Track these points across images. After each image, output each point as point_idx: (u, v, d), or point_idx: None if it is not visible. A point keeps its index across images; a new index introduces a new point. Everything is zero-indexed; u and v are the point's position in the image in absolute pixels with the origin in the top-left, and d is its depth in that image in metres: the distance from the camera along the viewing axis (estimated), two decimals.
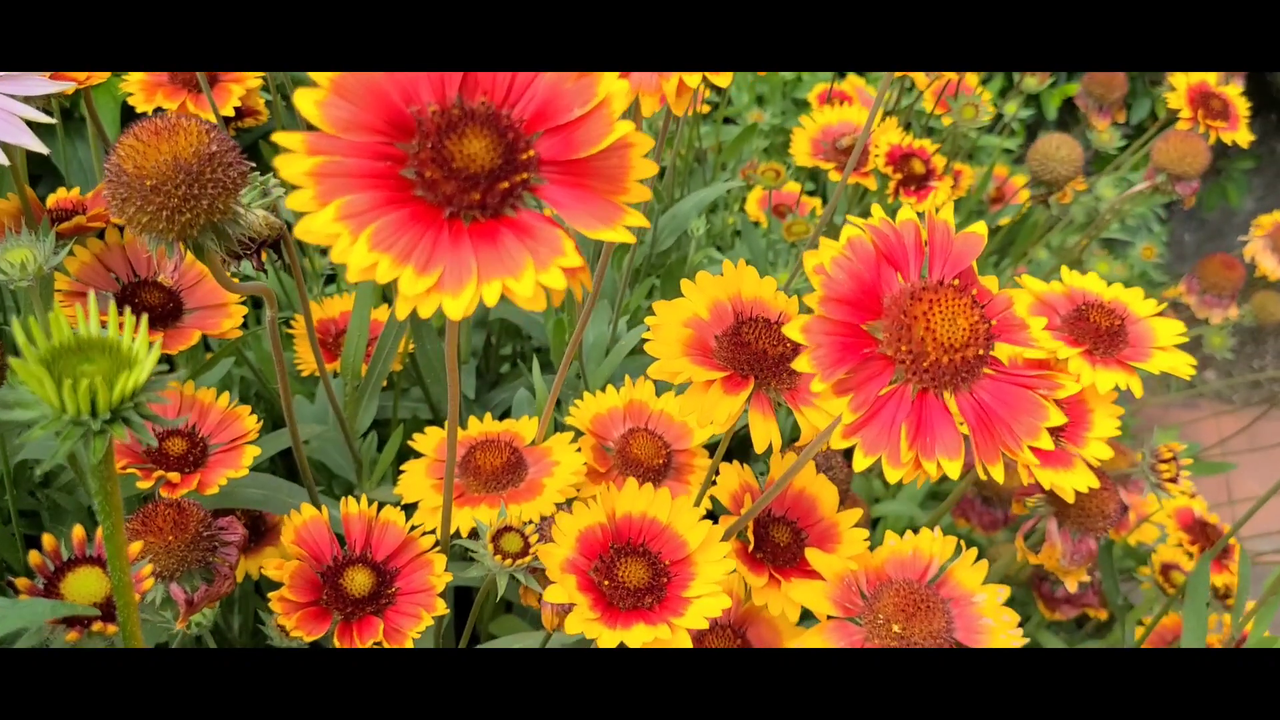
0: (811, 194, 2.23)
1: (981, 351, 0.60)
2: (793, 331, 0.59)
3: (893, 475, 0.59)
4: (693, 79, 0.76)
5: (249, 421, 0.95)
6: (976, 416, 0.61)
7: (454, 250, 0.52)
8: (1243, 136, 1.42)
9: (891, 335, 0.60)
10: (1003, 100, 2.26)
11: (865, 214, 0.65)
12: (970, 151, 2.61)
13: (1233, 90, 1.44)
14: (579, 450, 1.02)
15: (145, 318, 0.51)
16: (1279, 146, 3.42)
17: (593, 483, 1.02)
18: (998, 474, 0.61)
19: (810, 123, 1.50)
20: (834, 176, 1.44)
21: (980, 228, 0.65)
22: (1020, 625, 0.84)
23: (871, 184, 1.42)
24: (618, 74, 0.57)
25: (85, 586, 0.60)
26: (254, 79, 1.26)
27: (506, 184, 0.54)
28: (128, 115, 1.64)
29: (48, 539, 0.60)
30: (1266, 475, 2.42)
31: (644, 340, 0.82)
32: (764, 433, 0.81)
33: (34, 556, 0.59)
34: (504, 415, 1.18)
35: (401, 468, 1.01)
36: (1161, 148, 1.42)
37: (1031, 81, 1.86)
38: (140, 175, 0.64)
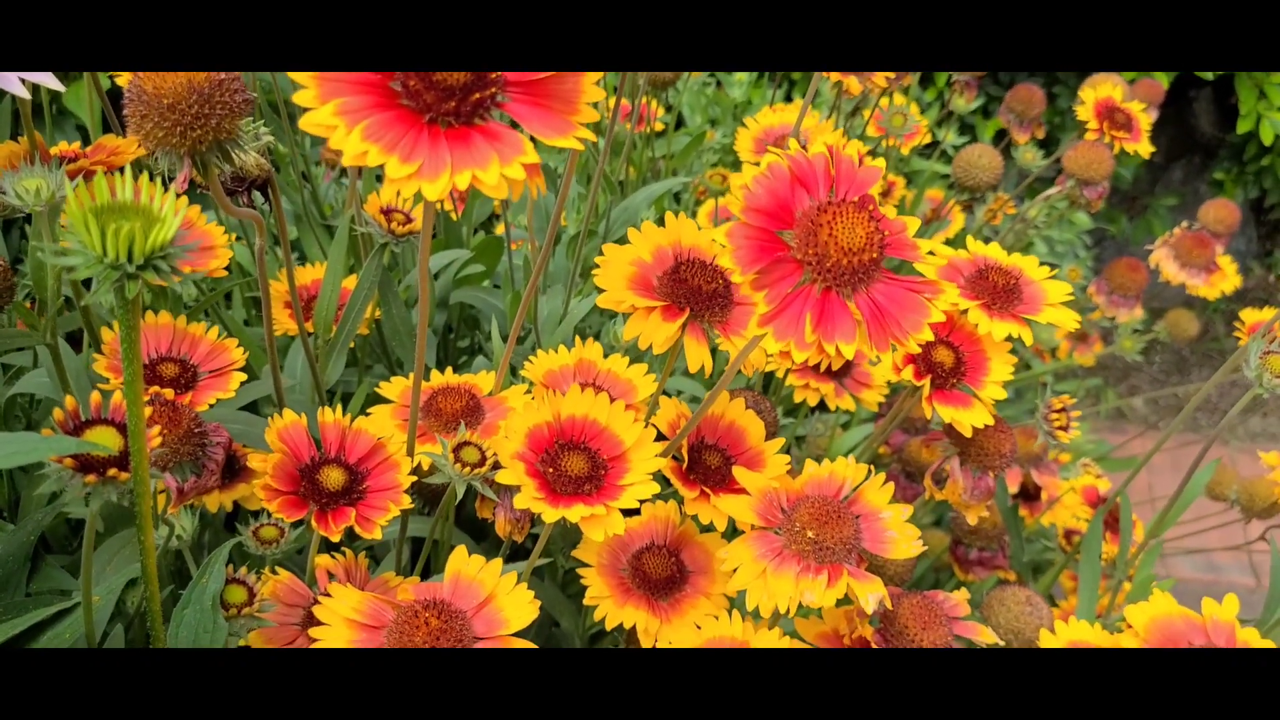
0: None
1: (876, 255, 0.71)
2: (718, 234, 0.70)
3: (799, 356, 0.70)
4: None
5: (236, 352, 1.04)
6: (871, 312, 0.72)
7: (432, 146, 0.63)
8: (1144, 148, 1.56)
9: (801, 241, 0.71)
10: (939, 129, 2.41)
11: None
12: (909, 176, 2.77)
13: (1136, 106, 1.58)
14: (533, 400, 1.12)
15: (173, 186, 0.61)
16: (1201, 187, 3.62)
17: None
18: (885, 362, 0.72)
19: (754, 124, 1.62)
20: None
21: (880, 163, 0.77)
22: None
23: None
24: None
25: (102, 440, 0.68)
26: None
27: (478, 95, 0.65)
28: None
29: (69, 399, 0.69)
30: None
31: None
32: (697, 355, 0.91)
33: (57, 414, 0.68)
34: None
35: (368, 410, 1.10)
36: (1071, 156, 1.56)
37: (960, 103, 2.01)
38: (159, 94, 0.74)
